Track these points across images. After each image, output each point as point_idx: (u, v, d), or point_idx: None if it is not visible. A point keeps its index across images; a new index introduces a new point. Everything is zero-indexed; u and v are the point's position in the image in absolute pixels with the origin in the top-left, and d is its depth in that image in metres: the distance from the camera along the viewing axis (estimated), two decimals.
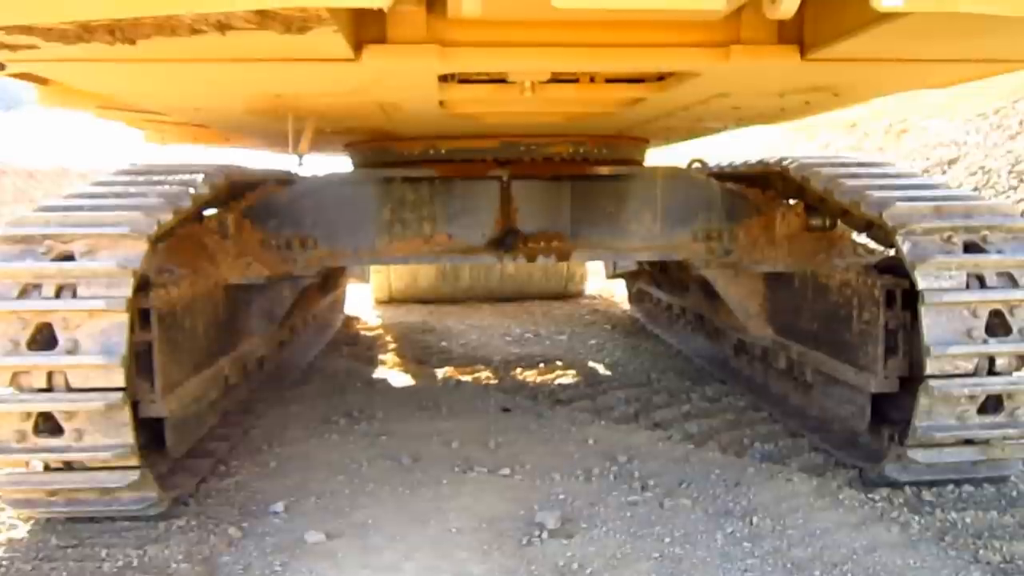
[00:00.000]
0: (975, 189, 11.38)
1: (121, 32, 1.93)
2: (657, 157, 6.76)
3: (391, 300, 8.68)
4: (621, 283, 8.30)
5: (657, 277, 6.76)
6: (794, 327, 4.43)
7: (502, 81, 3.09)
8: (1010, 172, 11.25)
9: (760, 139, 13.22)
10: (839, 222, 4.33)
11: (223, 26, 1.87)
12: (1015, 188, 10.75)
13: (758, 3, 1.97)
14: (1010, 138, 12.59)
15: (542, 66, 2.66)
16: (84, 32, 1.92)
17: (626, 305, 8.27)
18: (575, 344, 6.68)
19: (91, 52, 2.12)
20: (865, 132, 16.31)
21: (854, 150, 16.22)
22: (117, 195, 3.48)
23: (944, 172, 12.79)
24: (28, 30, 1.91)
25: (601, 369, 5.84)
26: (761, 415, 4.53)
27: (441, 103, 3.30)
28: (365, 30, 2.30)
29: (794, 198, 4.55)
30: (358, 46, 2.28)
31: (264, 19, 1.81)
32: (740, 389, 5.02)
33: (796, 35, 2.46)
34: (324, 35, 2.00)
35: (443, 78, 2.95)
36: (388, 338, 7.04)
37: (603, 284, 9.16)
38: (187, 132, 5.28)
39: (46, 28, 1.89)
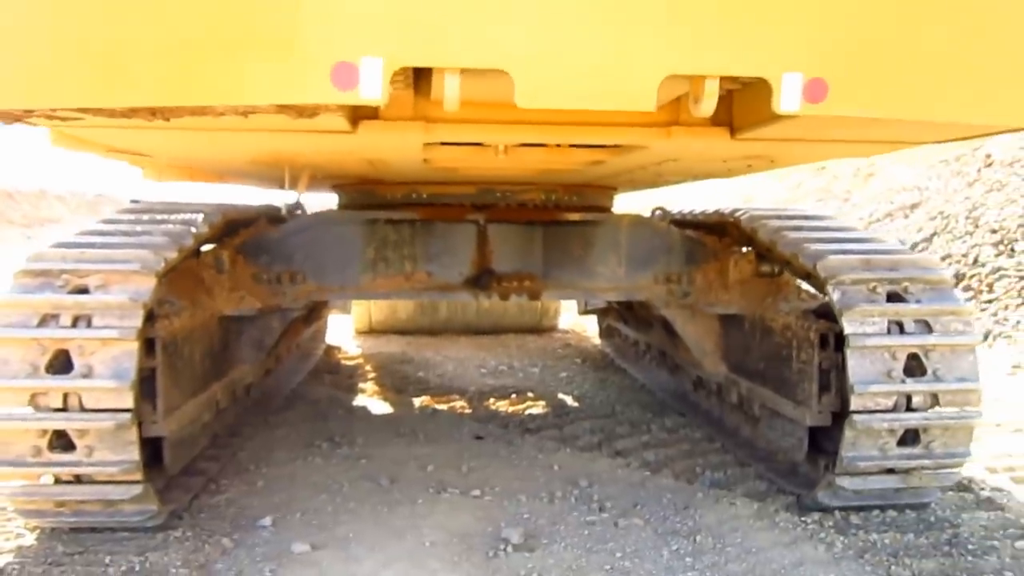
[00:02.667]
0: (934, 233, 11.94)
1: (161, 113, 2.29)
2: (631, 200, 7.16)
3: (371, 331, 8.99)
4: (593, 318, 8.67)
5: (624, 314, 7.14)
6: (744, 365, 4.82)
7: (479, 144, 3.47)
8: (967, 217, 11.80)
9: (733, 180, 13.76)
10: (785, 269, 4.74)
11: (247, 111, 2.24)
12: (971, 233, 11.30)
13: (685, 102, 2.38)
14: (968, 184, 13.18)
15: (511, 139, 3.04)
16: (129, 112, 2.28)
17: (597, 340, 8.64)
18: (546, 376, 7.03)
19: (129, 123, 2.48)
20: (835, 175, 16.89)
21: (823, 191, 16.83)
22: (125, 233, 3.82)
23: (906, 216, 13.36)
24: (83, 111, 2.27)
25: (569, 400, 6.19)
26: (714, 446, 4.89)
27: (425, 160, 3.68)
28: (361, 109, 2.67)
29: (746, 246, 4.96)
30: (355, 122, 2.65)
31: (282, 108, 2.18)
32: (697, 421, 5.39)
33: (727, 119, 2.87)
34: (328, 117, 2.37)
35: (426, 143, 3.33)
36: (368, 367, 7.35)
37: (576, 319, 9.53)
38: (184, 171, 5.63)
39: (97, 109, 2.25)
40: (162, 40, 2.17)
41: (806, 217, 4.62)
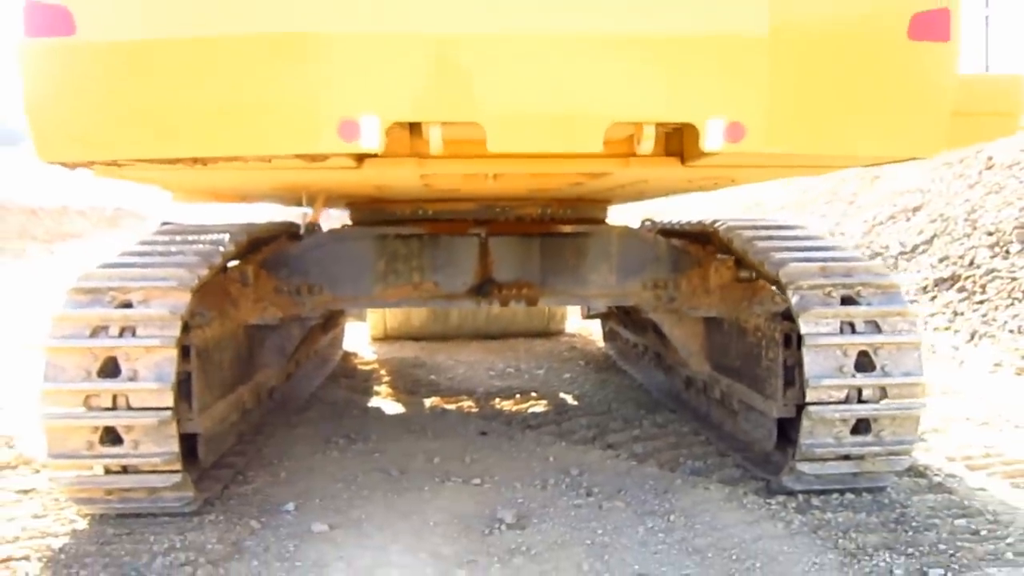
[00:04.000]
0: (934, 236, 12.24)
1: (201, 161, 2.77)
2: (640, 208, 7.54)
3: (386, 337, 9.47)
4: (597, 322, 9.10)
5: (624, 318, 7.57)
6: (724, 363, 5.24)
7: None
8: (966, 220, 12.10)
9: (744, 186, 14.13)
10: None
11: (270, 158, 2.72)
12: (968, 235, 11.60)
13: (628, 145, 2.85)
14: (969, 187, 13.46)
15: (490, 171, 3.53)
16: (175, 160, 2.77)
17: (601, 343, 9.07)
18: (550, 378, 7.47)
19: (172, 167, 2.98)
20: (842, 178, 17.17)
21: (831, 194, 17.13)
22: (162, 254, 4.31)
23: (908, 219, 13.67)
24: (139, 161, 2.76)
25: (570, 400, 6.62)
26: (699, 439, 5.31)
27: (424, 184, 4.14)
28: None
29: (726, 254, 5.38)
30: (360, 160, 3.12)
31: (299, 156, 2.66)
32: (686, 417, 5.81)
33: (678, 149, 3.31)
34: (337, 160, 2.85)
35: (422, 174, 3.80)
36: (382, 371, 7.83)
37: (582, 323, 9.96)
38: (211, 194, 6.12)
39: (151, 160, 2.74)
40: (204, 105, 2.68)
41: (779, 227, 5.04)
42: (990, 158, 13.83)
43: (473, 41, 2.77)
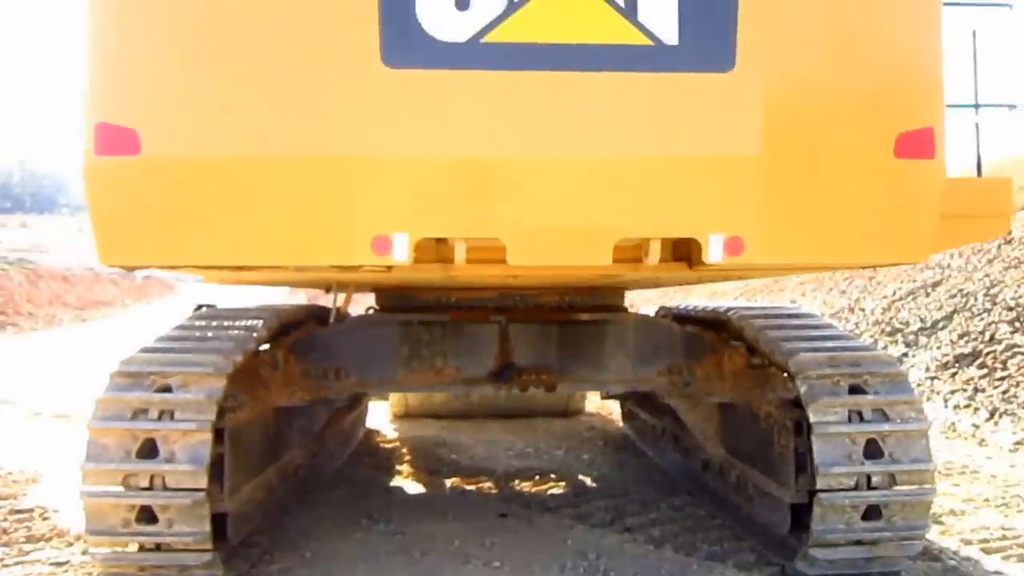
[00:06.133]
0: (954, 311, 12.25)
1: (244, 268, 3.04)
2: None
3: (407, 415, 9.60)
4: (616, 402, 9.19)
5: (641, 400, 7.68)
6: (739, 448, 5.35)
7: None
8: (985, 295, 12.13)
9: None
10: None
11: (307, 268, 2.98)
12: (988, 310, 11.62)
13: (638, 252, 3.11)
14: (988, 261, 13.53)
15: (510, 275, 3.78)
16: (221, 267, 3.03)
17: (620, 423, 9.16)
18: (569, 458, 7.56)
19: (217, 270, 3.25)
20: None
21: (850, 270, 17.18)
22: (199, 339, 4.54)
23: (927, 294, 13.70)
24: (191, 267, 3.03)
25: (588, 481, 6.71)
26: (716, 522, 5.38)
27: (448, 277, 4.38)
28: None
29: (738, 341, 5.54)
30: (389, 267, 3.37)
31: (334, 267, 2.92)
32: (704, 500, 5.89)
33: (686, 253, 3.54)
34: (369, 267, 3.12)
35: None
36: (404, 450, 7.96)
37: (602, 402, 10.06)
38: (242, 278, 6.40)
39: (202, 266, 3.01)
40: (250, 219, 2.96)
41: (789, 316, 5.21)
42: (1009, 232, 13.87)
43: (494, 164, 3.06)
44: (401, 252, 2.97)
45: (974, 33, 3.77)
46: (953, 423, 8.76)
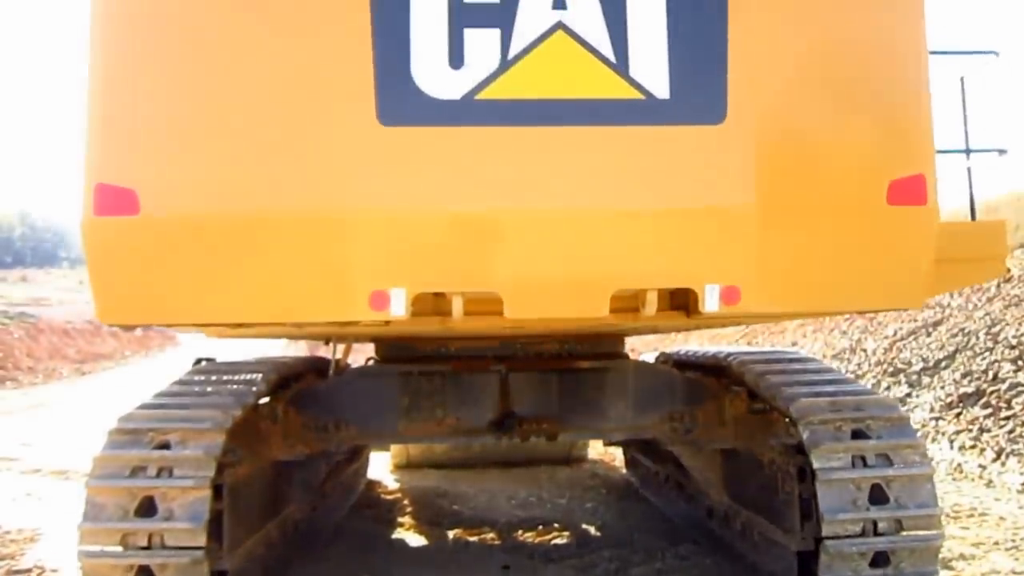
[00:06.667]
0: (956, 350, 12.22)
1: (243, 325, 3.05)
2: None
3: (408, 465, 9.52)
4: (619, 448, 9.13)
5: (644, 446, 7.63)
6: (744, 495, 5.30)
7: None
8: (987, 333, 12.10)
9: None
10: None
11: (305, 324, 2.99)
12: (990, 349, 11.58)
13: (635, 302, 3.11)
14: (988, 300, 13.53)
15: (507, 327, 3.79)
16: (219, 324, 3.04)
17: (623, 469, 9.08)
18: (572, 507, 7.48)
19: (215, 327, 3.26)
20: None
21: None
22: (197, 394, 4.53)
23: (929, 334, 13.67)
24: (189, 325, 3.04)
25: (592, 530, 6.63)
26: (722, 571, 5.31)
27: (446, 328, 4.38)
28: None
29: (739, 386, 5.51)
30: (387, 321, 3.38)
31: (332, 323, 2.93)
32: (709, 548, 5.81)
33: (683, 303, 3.55)
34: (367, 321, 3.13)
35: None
36: (405, 502, 7.87)
37: (605, 448, 9.97)
38: (242, 332, 6.40)
39: (200, 324, 3.02)
40: (247, 278, 2.98)
41: (789, 360, 5.19)
42: (1008, 270, 13.88)
43: (491, 218, 3.09)
44: (399, 307, 2.98)
45: (962, 79, 3.83)
46: (959, 464, 8.69)
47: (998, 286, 13.67)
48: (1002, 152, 3.92)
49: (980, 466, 8.56)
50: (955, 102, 3.87)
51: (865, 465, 4.06)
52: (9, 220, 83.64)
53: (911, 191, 3.24)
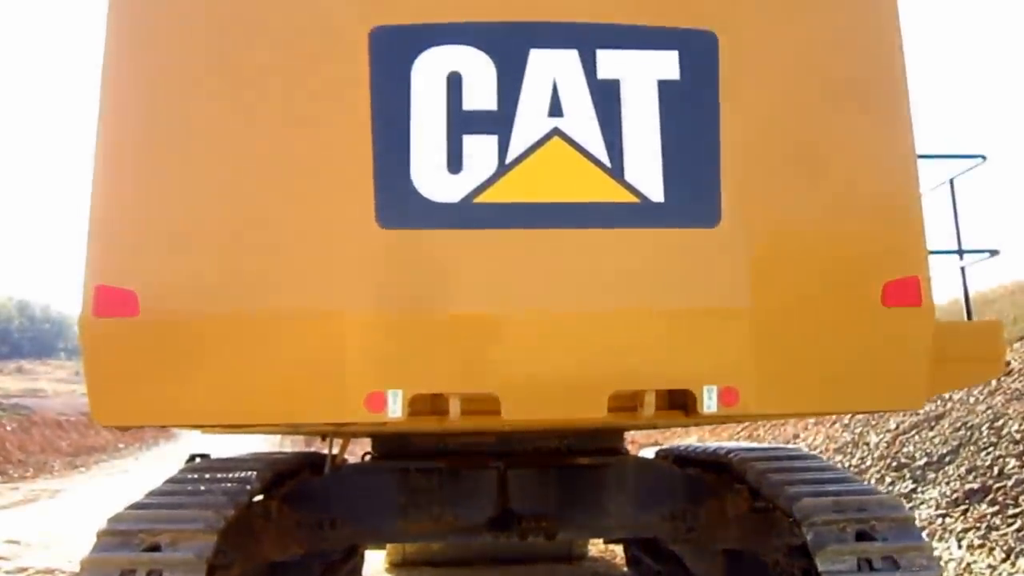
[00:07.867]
0: (959, 445, 12.07)
1: (239, 426, 3.04)
2: None
3: (404, 563, 9.27)
4: (620, 546, 8.91)
5: (645, 544, 7.46)
6: None
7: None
8: (990, 427, 11.97)
9: None
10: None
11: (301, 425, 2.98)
12: (994, 444, 11.45)
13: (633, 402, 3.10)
14: (990, 394, 13.43)
15: (504, 426, 3.78)
16: (215, 426, 3.03)
17: (625, 567, 8.84)
18: None
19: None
20: None
21: None
22: (190, 493, 4.45)
23: (931, 428, 13.53)
24: (184, 425, 3.03)
25: None
26: None
27: (444, 427, 4.35)
28: None
29: (741, 483, 5.43)
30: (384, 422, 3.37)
31: (327, 424, 2.92)
32: None
33: (682, 403, 3.55)
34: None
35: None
36: None
37: (606, 545, 9.73)
38: (238, 429, 6.35)
39: (194, 424, 3.01)
40: (243, 380, 2.97)
41: (791, 457, 5.13)
42: (1008, 363, 13.81)
43: (487, 320, 3.13)
44: (395, 409, 2.99)
45: (951, 182, 3.92)
46: (969, 564, 8.48)
47: (999, 379, 13.60)
48: (994, 253, 3.98)
49: (990, 566, 8.35)
50: (947, 203, 3.95)
51: (871, 568, 3.97)
52: (7, 310, 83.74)
53: (906, 293, 3.28)
